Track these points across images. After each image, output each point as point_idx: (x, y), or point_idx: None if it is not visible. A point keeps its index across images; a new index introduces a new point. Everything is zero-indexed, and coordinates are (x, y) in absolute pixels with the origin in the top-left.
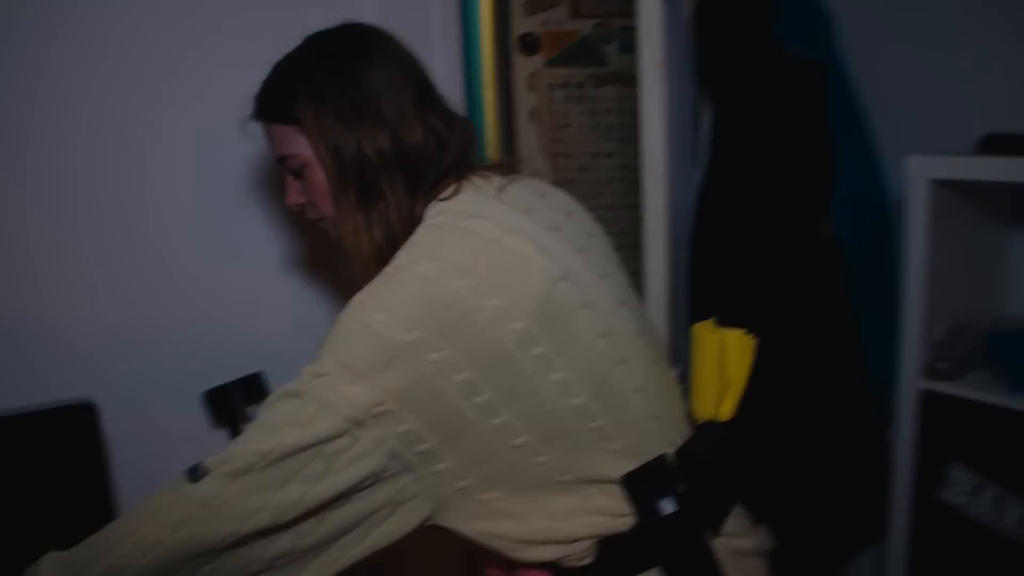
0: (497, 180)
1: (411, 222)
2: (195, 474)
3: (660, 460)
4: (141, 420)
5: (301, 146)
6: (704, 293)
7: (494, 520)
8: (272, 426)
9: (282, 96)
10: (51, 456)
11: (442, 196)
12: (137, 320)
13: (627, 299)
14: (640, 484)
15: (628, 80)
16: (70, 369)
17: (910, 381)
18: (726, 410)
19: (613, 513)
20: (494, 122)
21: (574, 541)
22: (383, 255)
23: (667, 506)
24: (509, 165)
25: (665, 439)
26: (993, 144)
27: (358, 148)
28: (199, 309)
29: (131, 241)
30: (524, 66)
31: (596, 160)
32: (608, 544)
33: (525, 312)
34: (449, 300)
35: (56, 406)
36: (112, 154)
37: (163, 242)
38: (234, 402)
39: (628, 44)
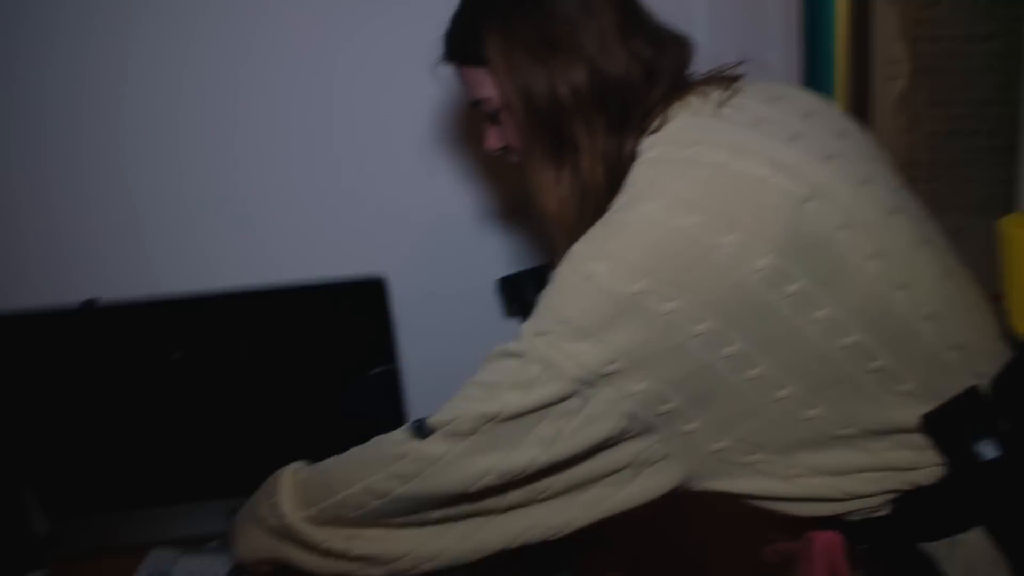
0: (716, 94)
1: (620, 164)
2: (421, 431)
3: (971, 394)
4: (428, 299)
5: (493, 88)
6: None
7: (761, 482)
8: (494, 387)
9: (470, 34)
10: (341, 329)
11: (652, 128)
12: (427, 202)
13: (900, 205)
14: (949, 426)
15: None
16: (363, 245)
17: None
18: None
19: (909, 466)
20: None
21: (860, 498)
22: (583, 211)
23: (988, 450)
24: (729, 74)
25: (972, 370)
26: None
27: (550, 89)
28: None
29: None
30: None
31: (970, 45)
32: (908, 500)
33: (770, 244)
34: (678, 242)
35: (348, 280)
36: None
37: None
38: (526, 290)
39: None
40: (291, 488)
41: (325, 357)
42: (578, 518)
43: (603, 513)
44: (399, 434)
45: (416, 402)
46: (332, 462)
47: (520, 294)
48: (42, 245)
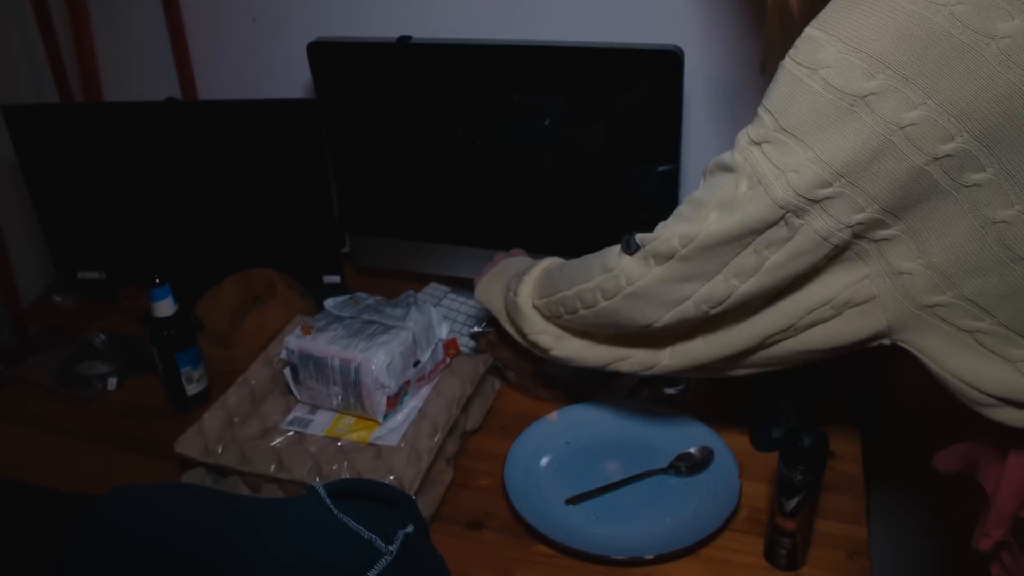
0: None
1: None
2: (628, 246)
3: None
4: (721, 75)
5: None
6: None
7: (974, 360)
8: (701, 204)
9: None
10: (633, 95)
11: None
12: None
13: None
14: None
15: None
16: (663, 14)
17: None
18: None
19: None
20: None
21: None
22: None
23: None
24: None
25: None
26: None
27: None
28: None
29: None
30: None
31: None
32: None
33: None
34: (936, 26)
35: (645, 48)
36: None
37: None
38: None
39: None
40: (537, 274)
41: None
42: (774, 353)
43: (794, 349)
44: (614, 247)
45: None
46: (569, 263)
47: None
48: None
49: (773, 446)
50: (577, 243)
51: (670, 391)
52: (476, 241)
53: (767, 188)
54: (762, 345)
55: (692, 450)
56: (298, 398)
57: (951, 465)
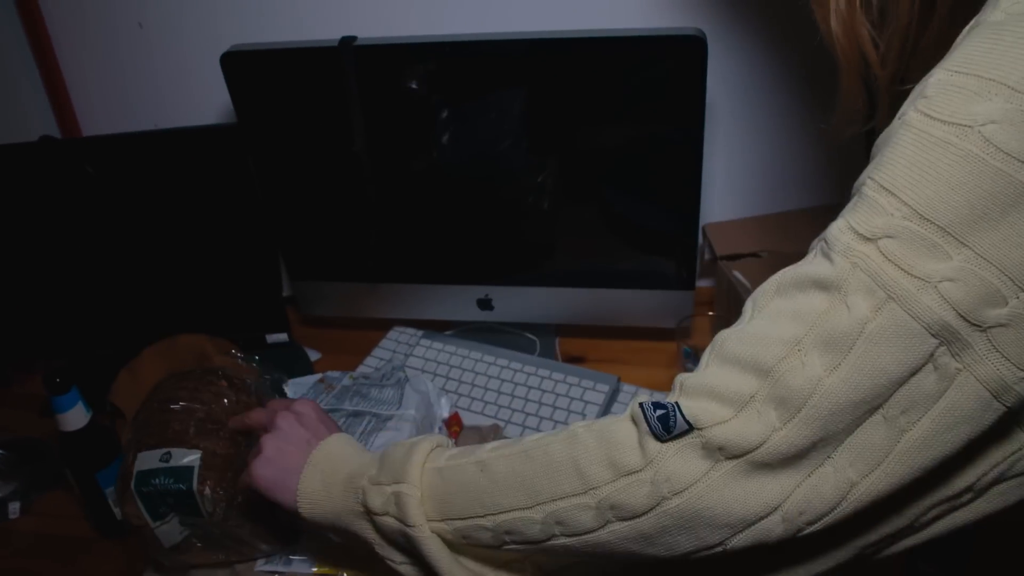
0: None
1: None
2: (667, 427)
3: None
4: (744, 61)
5: None
6: None
7: None
8: (781, 343)
9: None
10: (654, 81)
11: None
12: None
13: None
14: None
15: None
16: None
17: None
18: None
19: None
20: None
21: None
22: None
23: None
24: None
25: None
26: None
27: None
28: None
29: None
30: None
31: None
32: None
33: None
34: None
35: (667, 34)
36: None
37: None
38: None
39: None
40: (420, 477)
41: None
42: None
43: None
44: (621, 428)
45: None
46: (495, 455)
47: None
48: None
49: None
50: (571, 274)
51: None
52: (449, 278)
53: (907, 306)
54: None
55: None
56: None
57: None
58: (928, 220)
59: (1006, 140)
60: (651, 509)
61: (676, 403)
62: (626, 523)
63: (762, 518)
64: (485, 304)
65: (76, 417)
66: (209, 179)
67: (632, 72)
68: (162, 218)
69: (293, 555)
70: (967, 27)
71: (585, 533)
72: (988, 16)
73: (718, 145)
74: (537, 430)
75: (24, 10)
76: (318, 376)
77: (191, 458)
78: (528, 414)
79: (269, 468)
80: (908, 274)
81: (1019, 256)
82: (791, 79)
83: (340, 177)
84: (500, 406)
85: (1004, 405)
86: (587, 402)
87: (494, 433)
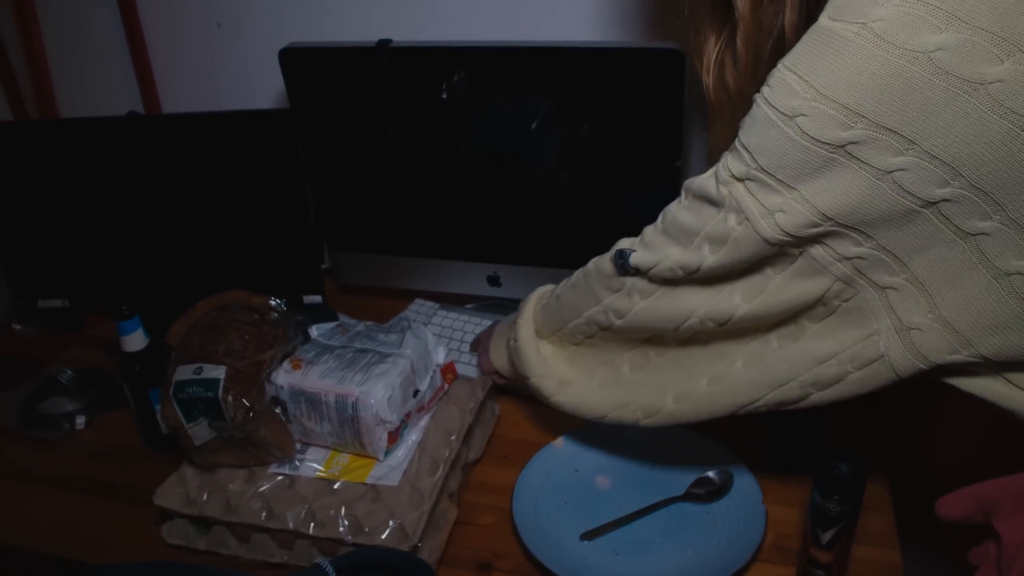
0: None
1: None
2: (624, 268)
3: None
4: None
5: None
6: None
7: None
8: (691, 234)
9: None
10: (636, 94)
11: None
12: None
13: None
14: None
15: None
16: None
17: None
18: None
19: None
20: None
21: None
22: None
23: None
24: None
25: None
26: None
27: None
28: None
29: None
30: None
31: None
32: None
33: None
34: (915, 75)
35: (648, 48)
36: None
37: None
38: None
39: None
40: (532, 313)
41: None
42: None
43: (829, 399)
44: (607, 264)
45: None
46: (563, 289)
47: None
48: None
49: (793, 467)
50: (572, 254)
51: None
52: (463, 255)
53: (755, 226)
54: (764, 401)
55: (710, 474)
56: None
57: (959, 511)
58: (768, 172)
59: (812, 128)
60: (629, 311)
61: (624, 251)
62: (622, 319)
63: (687, 319)
64: (494, 280)
65: (136, 340)
66: (263, 157)
67: (615, 83)
68: (222, 189)
69: (301, 462)
70: None
71: (608, 327)
72: None
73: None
74: None
75: (124, 6)
76: (337, 323)
77: (218, 371)
78: None
79: (482, 350)
80: (760, 204)
81: (828, 199)
82: None
83: (374, 161)
84: None
85: (832, 274)
86: None
87: (482, 385)
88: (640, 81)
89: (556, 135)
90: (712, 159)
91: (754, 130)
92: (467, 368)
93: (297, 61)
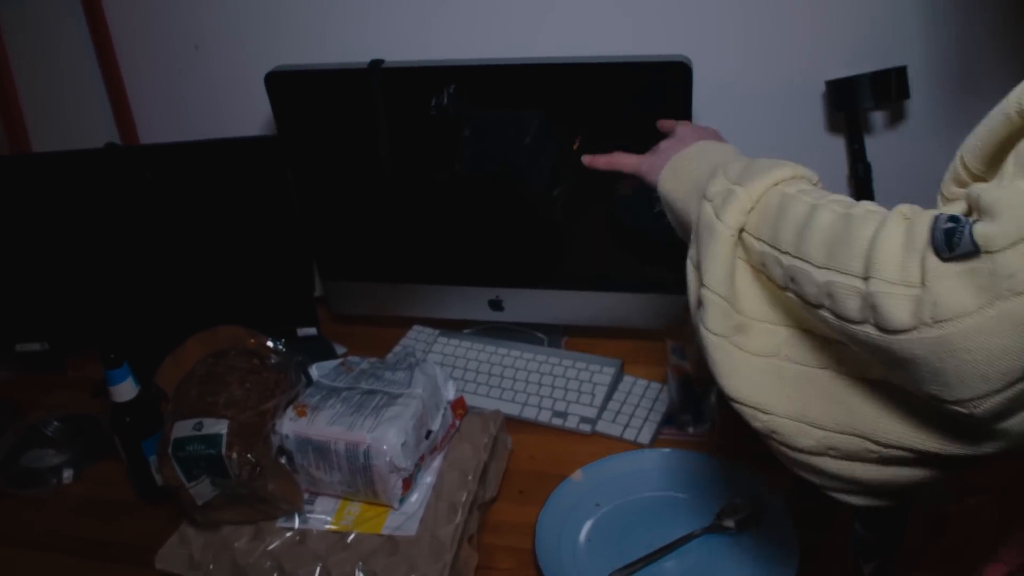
0: None
1: None
2: (951, 244)
3: None
4: (730, 86)
5: None
6: None
7: None
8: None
9: None
10: (642, 109)
11: None
12: None
13: None
14: None
15: None
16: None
17: None
18: None
19: None
20: None
21: None
22: None
23: None
24: None
25: None
26: None
27: None
28: None
29: None
30: None
31: None
32: None
33: None
34: None
35: (654, 60)
36: None
37: None
38: (859, 98)
39: None
40: (761, 195)
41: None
42: None
43: None
44: (898, 228)
45: None
46: (828, 205)
47: (850, 102)
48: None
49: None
50: (580, 276)
51: (692, 430)
52: (464, 279)
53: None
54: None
55: (738, 501)
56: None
57: None
58: None
59: None
60: (906, 330)
61: (961, 219)
62: (880, 334)
63: (1017, 381)
64: (496, 305)
65: (126, 389)
66: (251, 186)
67: (628, 93)
68: (208, 220)
69: (310, 513)
70: None
71: (845, 320)
72: None
73: None
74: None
75: (94, 30)
76: (339, 360)
77: (220, 426)
78: (542, 396)
79: (657, 156)
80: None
81: None
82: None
83: (367, 186)
84: (507, 389)
85: None
86: (595, 383)
87: (494, 419)
88: (646, 95)
89: (556, 152)
90: None
91: None
92: (477, 399)
93: (285, 85)
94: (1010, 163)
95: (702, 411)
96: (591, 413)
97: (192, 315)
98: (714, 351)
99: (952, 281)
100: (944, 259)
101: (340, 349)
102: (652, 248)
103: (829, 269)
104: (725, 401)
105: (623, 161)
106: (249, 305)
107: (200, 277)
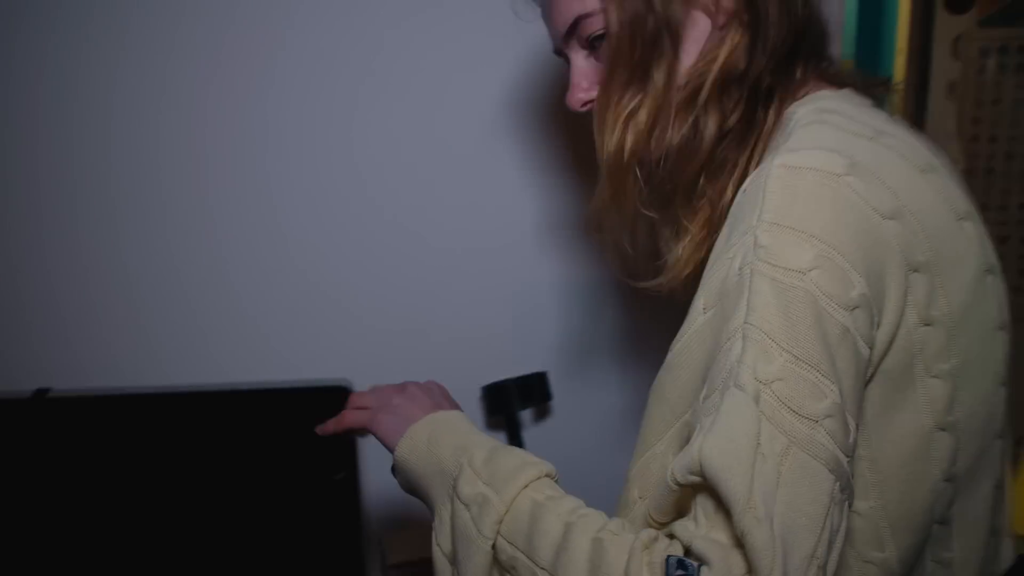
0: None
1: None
2: (685, 567)
3: None
4: None
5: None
6: None
7: None
8: (816, 504)
9: None
10: (300, 435)
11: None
12: (398, 307)
13: None
14: None
15: None
16: (326, 352)
17: None
18: None
19: None
20: (902, 95)
21: None
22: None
23: None
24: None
25: None
26: None
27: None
28: (476, 303)
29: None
30: (949, 26)
31: None
32: None
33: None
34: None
35: (311, 386)
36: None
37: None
38: (512, 401)
39: None
40: (514, 497)
41: (284, 461)
42: None
43: None
44: (630, 538)
45: (377, 510)
46: (577, 523)
47: (505, 404)
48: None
49: None
50: None
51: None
52: None
53: (827, 451)
54: None
55: None
56: None
57: None
58: (811, 364)
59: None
60: None
61: (686, 561)
62: None
63: None
64: None
65: None
66: None
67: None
68: None
69: None
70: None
71: None
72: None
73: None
74: None
75: None
76: None
77: None
78: None
79: (392, 416)
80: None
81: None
82: None
83: (33, 532)
84: None
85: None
86: None
87: None
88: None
89: (229, 473)
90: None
91: (769, 310)
92: None
93: None
94: (700, 514)
95: None
96: None
97: None
98: None
99: None
100: None
101: None
102: None
103: None
104: None
105: (351, 419)
106: None
107: None
